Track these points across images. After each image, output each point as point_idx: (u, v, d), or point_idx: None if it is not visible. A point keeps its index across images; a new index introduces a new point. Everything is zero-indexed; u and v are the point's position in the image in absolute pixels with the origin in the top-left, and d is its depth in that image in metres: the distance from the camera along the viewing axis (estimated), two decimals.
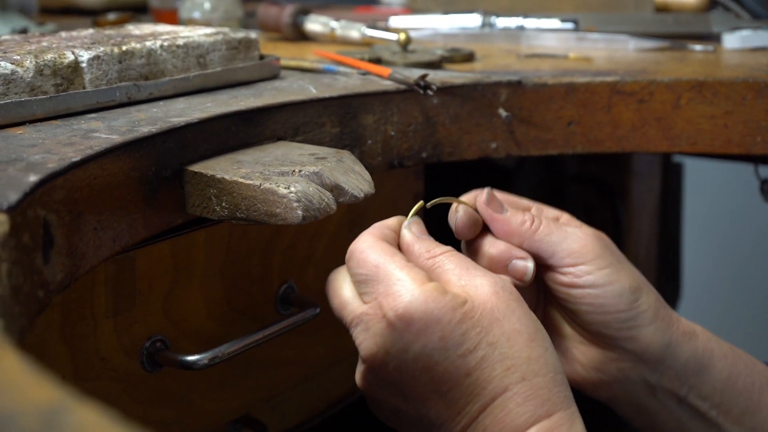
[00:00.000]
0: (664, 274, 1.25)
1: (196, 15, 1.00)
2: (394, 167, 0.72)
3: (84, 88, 0.62)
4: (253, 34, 0.75)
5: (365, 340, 0.54)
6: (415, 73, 0.72)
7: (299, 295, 0.71)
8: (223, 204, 0.56)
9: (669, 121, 0.76)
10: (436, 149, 0.74)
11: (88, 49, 0.63)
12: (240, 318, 0.67)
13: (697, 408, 0.61)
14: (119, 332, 0.60)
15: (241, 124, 0.62)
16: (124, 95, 0.63)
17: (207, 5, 1.00)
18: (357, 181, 0.59)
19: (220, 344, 0.62)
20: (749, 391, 0.61)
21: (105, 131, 0.56)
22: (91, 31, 0.75)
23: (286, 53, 0.86)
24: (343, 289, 0.57)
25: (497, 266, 0.59)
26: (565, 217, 0.62)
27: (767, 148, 0.76)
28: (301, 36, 0.99)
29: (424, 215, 0.61)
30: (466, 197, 0.61)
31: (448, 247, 0.57)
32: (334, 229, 0.74)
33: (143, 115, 0.60)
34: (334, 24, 0.96)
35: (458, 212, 0.60)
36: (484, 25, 1.03)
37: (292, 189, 0.54)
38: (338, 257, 0.61)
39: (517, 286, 0.56)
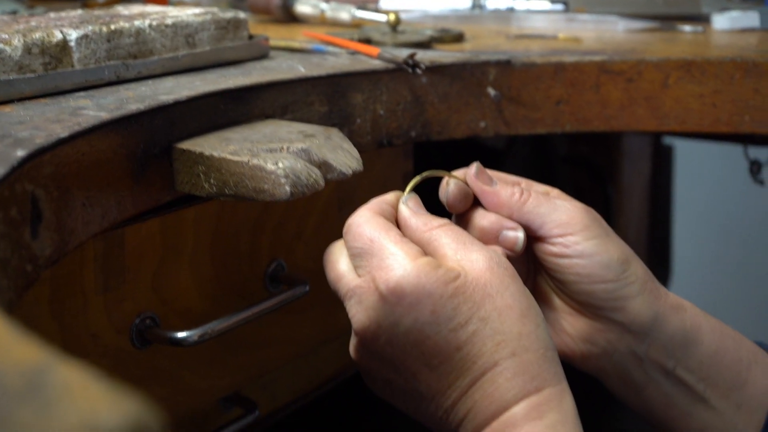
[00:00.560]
0: (655, 256, 1.26)
1: None
2: (383, 146, 0.72)
3: (72, 66, 0.62)
4: (242, 14, 0.75)
5: (358, 313, 0.54)
6: (404, 53, 0.72)
7: (289, 273, 0.71)
8: (212, 181, 0.56)
9: (657, 100, 0.76)
10: (425, 128, 0.74)
11: (77, 28, 0.63)
12: (229, 296, 0.68)
13: (684, 381, 0.61)
14: (109, 309, 0.60)
15: (230, 103, 0.62)
16: (112, 74, 0.64)
17: None
18: (345, 157, 0.59)
19: (210, 321, 0.62)
20: (736, 367, 0.62)
21: (93, 109, 0.56)
22: (80, 11, 0.75)
23: (276, 34, 0.86)
24: (339, 262, 0.57)
25: (488, 237, 0.59)
26: (555, 191, 0.62)
27: (755, 126, 0.76)
28: (291, 18, 0.99)
29: (418, 192, 0.61)
30: (456, 173, 0.62)
31: (445, 220, 0.57)
32: (324, 208, 0.74)
33: (132, 93, 0.60)
34: (324, 6, 0.96)
35: (449, 185, 0.60)
36: (474, 6, 1.03)
37: (280, 165, 0.54)
38: (328, 235, 0.62)
39: (508, 257, 0.57)
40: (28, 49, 0.60)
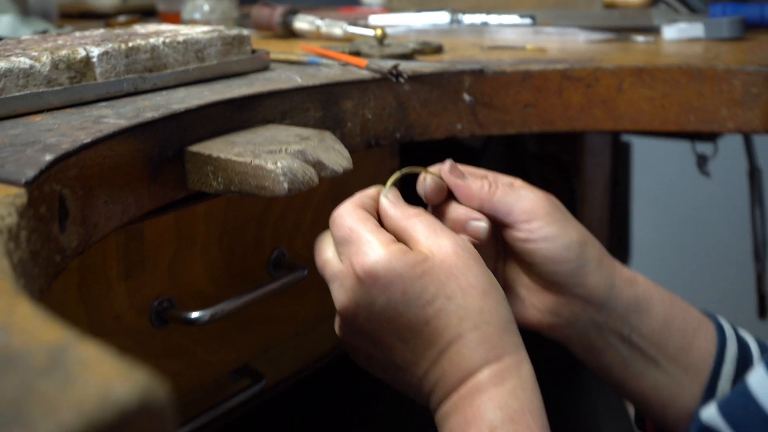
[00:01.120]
0: (615, 240, 1.26)
1: (197, 16, 1.00)
2: (371, 147, 0.72)
3: (95, 80, 0.62)
4: (245, 31, 0.75)
5: (339, 294, 0.55)
6: (389, 64, 0.73)
7: (289, 260, 0.71)
8: (219, 179, 0.56)
9: (613, 103, 0.77)
10: (408, 130, 0.74)
11: (99, 45, 0.63)
12: (237, 280, 0.68)
13: (638, 346, 0.62)
14: (130, 293, 0.60)
15: (235, 110, 0.62)
16: (131, 86, 0.64)
17: (206, 7, 1.00)
18: (337, 157, 0.59)
19: (220, 303, 0.62)
20: (683, 333, 0.62)
21: (113, 117, 0.56)
22: (102, 30, 0.75)
23: (277, 48, 0.86)
24: (325, 251, 0.57)
25: (458, 227, 0.59)
26: (518, 182, 0.62)
27: (699, 125, 0.76)
28: (290, 33, 0.99)
29: (400, 187, 0.61)
30: (432, 168, 0.62)
31: (420, 209, 0.57)
32: (320, 202, 0.74)
33: (148, 102, 0.60)
34: (319, 22, 0.96)
35: (426, 180, 0.61)
36: (452, 21, 1.03)
37: (279, 164, 0.54)
38: (323, 226, 0.62)
39: (475, 244, 0.57)
40: (55, 65, 0.60)
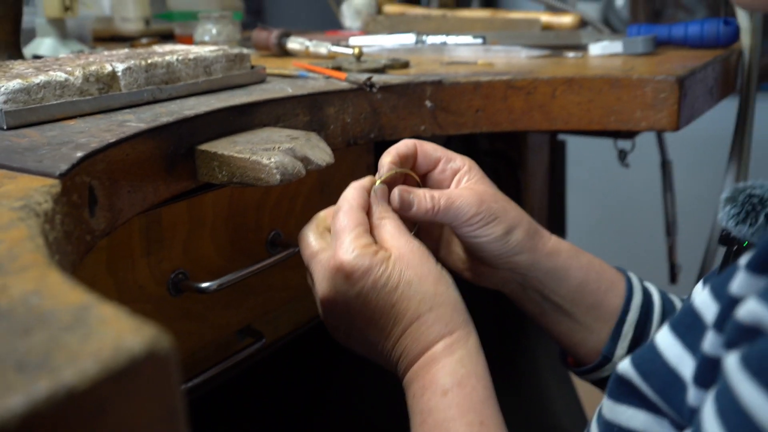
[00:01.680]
0: (553, 223, 1.26)
1: (206, 38, 0.99)
2: (350, 145, 0.72)
3: (120, 90, 0.62)
4: (246, 51, 0.74)
5: (322, 281, 0.55)
6: (365, 77, 0.72)
7: (284, 239, 0.71)
8: (224, 172, 0.56)
9: (548, 107, 0.77)
10: (380, 131, 0.74)
11: (123, 62, 0.63)
12: (240, 256, 0.67)
13: (556, 302, 0.64)
14: (151, 267, 0.60)
15: (237, 115, 0.62)
16: (150, 95, 0.63)
17: (214, 31, 0.99)
18: (321, 153, 0.59)
19: (226, 275, 0.62)
20: (596, 293, 0.63)
21: (135, 121, 0.55)
22: (126, 50, 0.74)
23: (272, 65, 0.86)
24: (312, 245, 0.57)
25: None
26: (465, 167, 0.61)
27: (619, 125, 0.76)
28: (284, 52, 0.99)
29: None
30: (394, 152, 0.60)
31: (392, 214, 0.57)
32: (309, 191, 0.74)
33: (164, 109, 0.60)
34: (308, 43, 0.96)
35: (395, 198, 0.59)
36: (417, 42, 1.03)
37: (273, 160, 0.54)
38: (313, 211, 0.61)
39: (428, 224, 0.59)
40: (86, 78, 0.59)
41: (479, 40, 1.01)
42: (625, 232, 2.29)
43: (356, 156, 0.79)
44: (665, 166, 1.18)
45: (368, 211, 0.57)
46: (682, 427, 0.43)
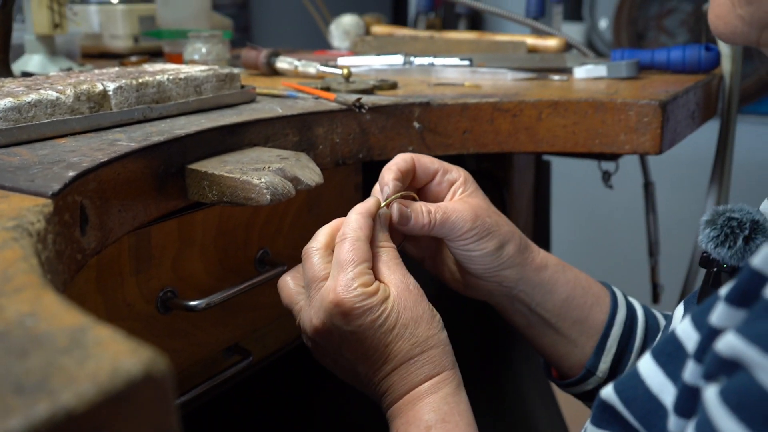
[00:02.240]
0: (538, 244, 1.27)
1: (196, 57, 0.99)
2: (339, 165, 0.72)
3: (111, 109, 0.62)
4: (236, 70, 0.74)
5: (318, 313, 0.54)
6: (354, 98, 0.73)
7: (272, 257, 0.71)
8: (214, 191, 0.56)
9: (534, 129, 0.77)
10: (369, 152, 0.74)
11: (114, 81, 0.63)
12: (229, 274, 0.67)
13: (542, 315, 0.65)
14: (140, 285, 0.60)
15: (227, 135, 0.62)
16: (140, 115, 0.63)
17: (204, 50, 0.99)
18: (310, 173, 0.59)
19: (215, 293, 0.62)
20: (581, 307, 0.65)
21: (126, 140, 0.56)
22: (116, 69, 0.75)
23: (262, 84, 0.86)
24: (316, 267, 0.56)
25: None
26: (461, 179, 0.62)
27: (603, 148, 0.77)
28: (273, 72, 0.99)
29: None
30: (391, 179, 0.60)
31: (391, 244, 0.57)
32: (297, 210, 0.74)
33: (155, 128, 0.60)
34: (297, 63, 0.96)
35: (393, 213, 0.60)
36: (405, 63, 1.03)
37: (263, 180, 0.54)
38: (301, 231, 0.62)
39: (422, 237, 0.60)
40: (77, 97, 0.59)
41: (466, 62, 1.02)
42: (609, 252, 2.31)
43: (345, 176, 0.80)
44: (648, 187, 1.19)
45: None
46: None
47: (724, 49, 0.97)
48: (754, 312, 0.33)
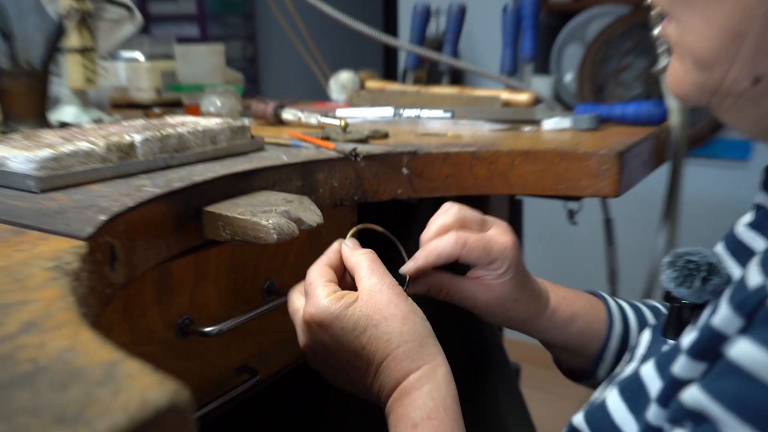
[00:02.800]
0: None
1: (211, 109, 1.00)
2: (337, 206, 0.73)
3: (137, 158, 0.63)
4: (246, 121, 0.75)
5: (301, 335, 0.54)
6: (350, 147, 0.74)
7: (277, 288, 0.71)
8: (227, 231, 0.57)
9: (508, 175, 0.78)
10: (364, 194, 0.75)
11: (140, 133, 0.64)
12: (239, 303, 0.68)
13: (550, 342, 0.64)
14: (161, 314, 0.60)
15: (239, 180, 0.63)
16: (163, 163, 0.64)
17: (218, 103, 1.00)
18: (312, 215, 0.60)
19: (227, 320, 0.62)
20: (590, 338, 0.64)
21: (150, 186, 0.56)
22: (142, 121, 0.75)
23: (269, 133, 0.87)
24: (294, 302, 0.57)
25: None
26: (489, 222, 0.63)
27: (567, 191, 0.78)
28: (279, 122, 1.00)
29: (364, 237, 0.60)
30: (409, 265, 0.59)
31: (368, 250, 0.56)
32: (300, 246, 0.74)
33: (176, 175, 0.61)
34: (300, 114, 0.97)
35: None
36: (395, 114, 1.05)
37: (270, 221, 0.55)
38: (303, 265, 0.62)
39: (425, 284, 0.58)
40: (108, 148, 0.60)
41: (449, 114, 1.03)
42: (574, 279, 2.31)
43: (342, 215, 0.80)
44: (608, 223, 1.20)
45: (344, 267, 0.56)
46: None
47: (672, 104, 0.98)
48: (716, 368, 0.33)
